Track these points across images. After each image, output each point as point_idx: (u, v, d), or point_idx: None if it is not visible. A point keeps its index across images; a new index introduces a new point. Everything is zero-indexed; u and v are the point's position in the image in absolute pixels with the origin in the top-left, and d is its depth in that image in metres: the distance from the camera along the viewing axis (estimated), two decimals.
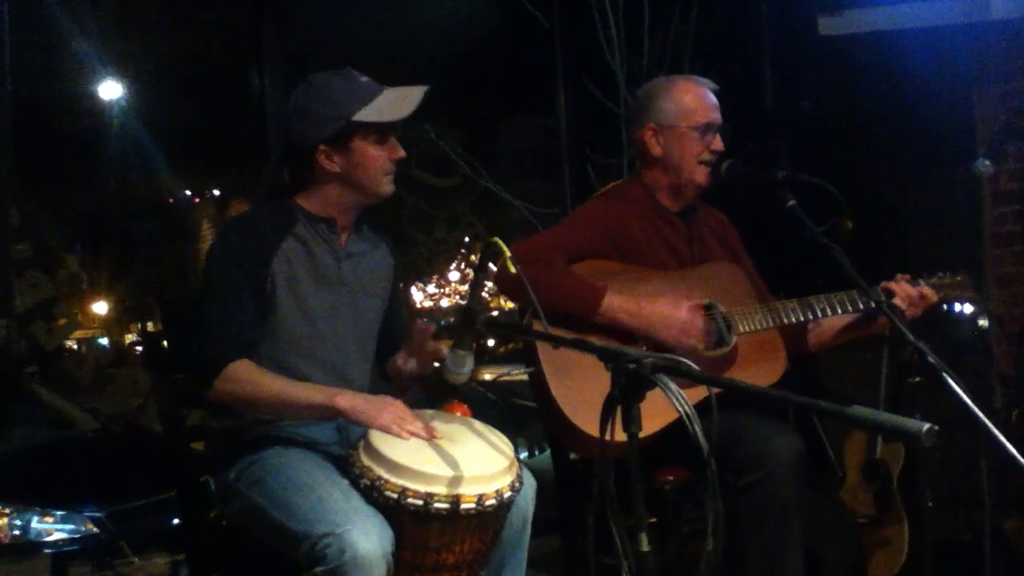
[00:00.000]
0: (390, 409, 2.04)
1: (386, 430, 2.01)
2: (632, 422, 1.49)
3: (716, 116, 2.59)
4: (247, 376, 2.09)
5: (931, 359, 1.88)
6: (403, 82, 2.25)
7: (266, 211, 2.27)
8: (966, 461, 3.20)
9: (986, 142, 3.85)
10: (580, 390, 2.36)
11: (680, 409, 1.46)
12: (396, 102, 2.19)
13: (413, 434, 2.01)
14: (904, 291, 2.50)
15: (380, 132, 2.20)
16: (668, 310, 2.42)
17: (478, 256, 1.96)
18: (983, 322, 3.90)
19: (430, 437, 2.02)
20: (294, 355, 2.19)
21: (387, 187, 2.25)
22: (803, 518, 2.34)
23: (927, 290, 2.54)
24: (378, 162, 2.21)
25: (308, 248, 2.22)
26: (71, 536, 4.52)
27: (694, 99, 2.58)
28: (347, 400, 2.05)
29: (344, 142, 2.18)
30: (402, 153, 2.24)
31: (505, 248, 1.87)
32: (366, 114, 2.16)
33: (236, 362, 2.09)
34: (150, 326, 16.92)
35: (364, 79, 2.22)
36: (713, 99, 2.60)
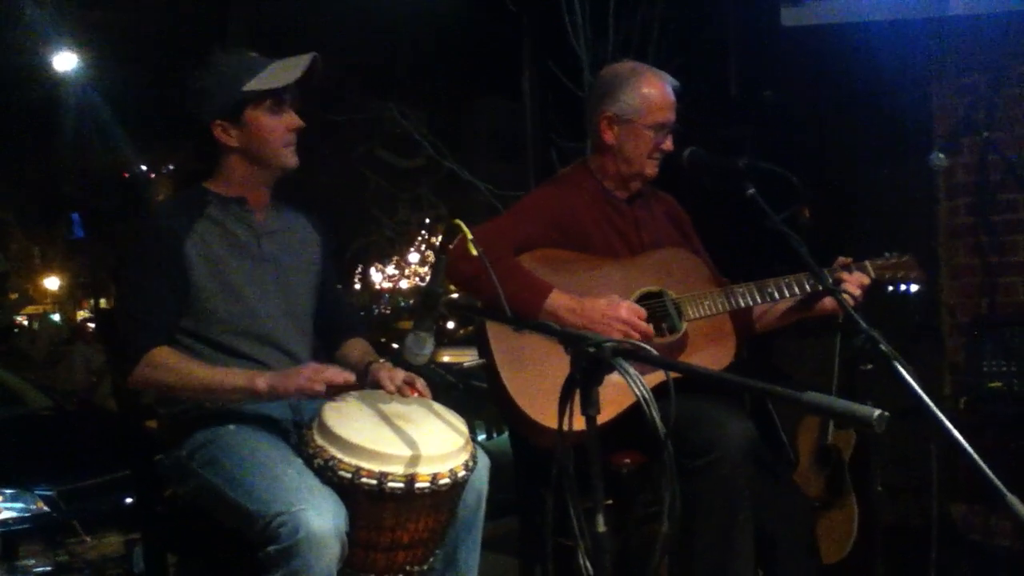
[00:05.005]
0: (301, 373, 2.05)
1: (305, 390, 2.02)
2: (591, 405, 1.50)
3: (672, 116, 2.60)
4: (168, 362, 2.08)
5: (883, 347, 1.91)
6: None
7: (176, 201, 2.29)
8: (916, 448, 3.26)
9: (942, 135, 3.91)
10: (533, 382, 2.37)
11: (638, 393, 1.47)
12: (284, 70, 2.19)
13: (329, 381, 2.02)
14: (857, 280, 2.54)
15: (272, 101, 2.19)
16: (609, 309, 2.42)
17: (440, 238, 1.95)
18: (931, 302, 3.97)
19: (347, 381, 2.03)
20: (228, 334, 2.18)
21: (289, 159, 2.23)
22: (756, 501, 2.38)
23: (864, 276, 2.58)
24: (274, 132, 2.20)
25: (224, 227, 2.22)
26: (20, 515, 4.45)
27: (656, 96, 2.58)
28: (264, 380, 2.05)
29: (237, 115, 2.18)
30: (299, 122, 2.23)
31: (467, 230, 1.87)
32: (255, 83, 2.16)
33: (156, 348, 2.09)
34: (103, 303, 16.67)
35: (255, 55, 2.23)
36: (672, 98, 2.60)
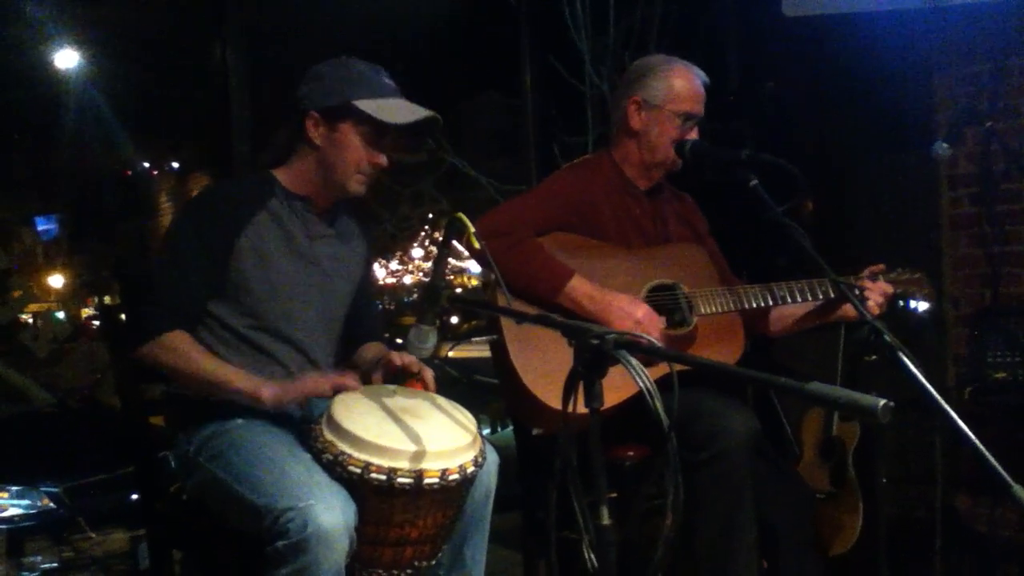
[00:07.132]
0: (306, 384, 2.07)
1: (309, 394, 2.05)
2: (594, 398, 1.50)
3: (699, 109, 2.63)
4: (180, 347, 2.08)
5: (887, 338, 1.91)
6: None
7: (243, 184, 2.28)
8: (920, 439, 3.27)
9: (945, 125, 3.90)
10: (542, 362, 2.38)
11: (641, 385, 1.47)
12: (398, 109, 2.17)
13: (336, 385, 2.03)
14: (880, 288, 2.55)
15: (371, 129, 2.17)
16: (627, 306, 2.43)
17: (443, 233, 1.96)
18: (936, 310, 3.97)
19: (352, 384, 2.05)
20: (257, 330, 2.18)
21: (355, 185, 2.22)
22: (759, 494, 2.38)
23: (888, 286, 2.59)
24: (355, 155, 2.19)
25: (282, 224, 2.21)
26: (27, 512, 4.48)
27: (686, 86, 2.61)
28: (269, 392, 2.06)
29: (335, 119, 2.17)
30: (383, 161, 2.22)
31: (469, 224, 1.87)
32: (366, 103, 2.15)
33: (173, 331, 2.09)
34: (107, 300, 16.69)
35: (390, 82, 2.21)
36: (702, 91, 2.64)
